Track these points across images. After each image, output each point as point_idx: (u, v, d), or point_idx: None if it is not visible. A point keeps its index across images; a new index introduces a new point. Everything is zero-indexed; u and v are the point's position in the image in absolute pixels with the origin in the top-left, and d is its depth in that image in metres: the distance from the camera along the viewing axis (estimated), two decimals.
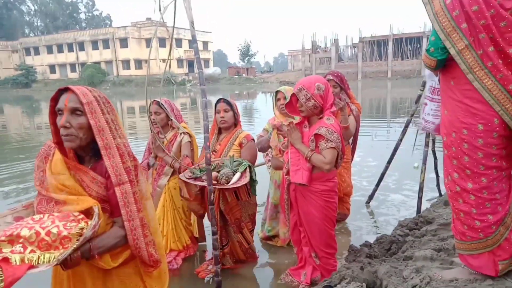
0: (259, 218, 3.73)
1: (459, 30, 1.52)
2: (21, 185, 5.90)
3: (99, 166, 1.38)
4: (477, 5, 1.46)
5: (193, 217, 3.29)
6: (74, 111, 1.34)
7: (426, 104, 2.28)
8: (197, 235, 3.34)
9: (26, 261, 1.10)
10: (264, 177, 3.50)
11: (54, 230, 1.17)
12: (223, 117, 2.90)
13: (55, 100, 1.38)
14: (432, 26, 1.60)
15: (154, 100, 3.08)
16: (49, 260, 1.13)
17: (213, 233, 2.19)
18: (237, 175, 2.62)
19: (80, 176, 1.38)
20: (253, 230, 3.11)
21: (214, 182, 2.59)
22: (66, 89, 1.37)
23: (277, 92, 3.28)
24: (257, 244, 3.46)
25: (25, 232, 1.14)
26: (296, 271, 2.80)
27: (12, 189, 5.80)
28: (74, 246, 1.17)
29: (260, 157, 3.39)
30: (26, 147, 9.51)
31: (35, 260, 1.12)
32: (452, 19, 1.52)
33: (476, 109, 1.59)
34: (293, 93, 2.46)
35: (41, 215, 1.26)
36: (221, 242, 3.03)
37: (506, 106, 1.53)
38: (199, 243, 3.43)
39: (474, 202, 1.68)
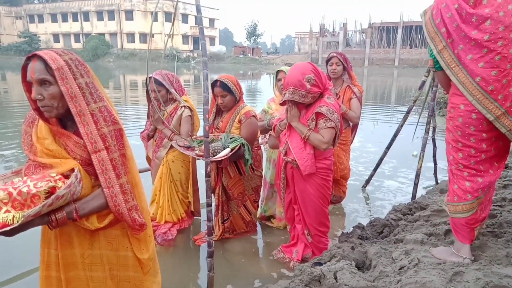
0: None
1: (439, 34, 1.82)
2: (21, 150, 5.95)
3: None
4: (450, 12, 1.77)
5: (190, 191, 3.32)
6: (42, 82, 1.29)
7: None
8: (193, 209, 3.39)
9: (1, 220, 1.14)
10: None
11: (24, 189, 1.19)
12: (221, 102, 2.84)
13: (25, 68, 1.32)
14: None
15: (151, 78, 3.02)
16: (21, 219, 1.15)
17: (208, 205, 2.21)
18: (226, 150, 2.62)
19: (64, 141, 1.36)
20: (256, 201, 3.14)
21: (201, 154, 2.60)
22: (32, 56, 1.30)
23: (278, 71, 3.22)
24: None
25: None
26: (288, 248, 2.84)
27: (12, 153, 5.85)
28: (44, 203, 1.18)
29: None
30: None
31: (10, 219, 1.14)
32: (435, 25, 1.83)
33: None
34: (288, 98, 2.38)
35: (20, 178, 1.28)
36: (222, 217, 3.07)
37: (477, 96, 1.75)
38: (195, 217, 3.47)
39: (455, 171, 1.93)
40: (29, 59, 1.31)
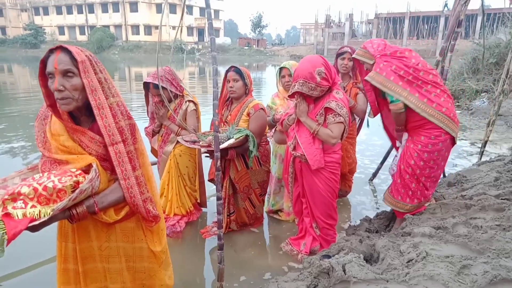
0: None
1: (399, 87, 2.49)
2: (29, 143, 6.02)
3: (97, 126, 1.37)
4: (402, 70, 2.50)
5: (197, 183, 3.36)
6: (66, 73, 1.31)
7: (396, 156, 2.97)
8: (199, 201, 3.44)
9: (28, 215, 1.17)
10: None
11: (50, 185, 1.22)
12: (231, 87, 2.87)
13: (44, 62, 1.34)
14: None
15: (150, 85, 3.04)
16: (49, 213, 1.19)
17: (218, 198, 2.24)
18: (230, 141, 2.65)
19: (78, 137, 1.39)
20: (262, 195, 3.17)
21: (205, 145, 2.67)
22: (55, 49, 1.33)
23: (281, 68, 3.20)
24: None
25: (24, 190, 1.20)
26: (296, 241, 2.87)
27: (21, 146, 5.93)
28: (70, 197, 1.21)
29: None
30: (35, 106, 9.61)
31: (37, 214, 1.18)
32: (390, 81, 2.49)
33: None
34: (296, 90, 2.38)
35: (41, 174, 1.31)
36: (228, 210, 3.11)
37: (445, 122, 2.51)
38: (202, 209, 3.52)
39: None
40: (51, 51, 1.33)
